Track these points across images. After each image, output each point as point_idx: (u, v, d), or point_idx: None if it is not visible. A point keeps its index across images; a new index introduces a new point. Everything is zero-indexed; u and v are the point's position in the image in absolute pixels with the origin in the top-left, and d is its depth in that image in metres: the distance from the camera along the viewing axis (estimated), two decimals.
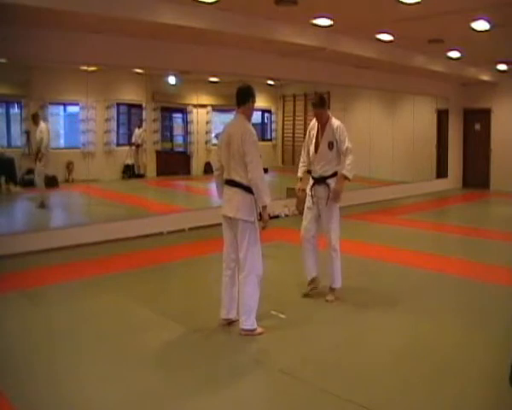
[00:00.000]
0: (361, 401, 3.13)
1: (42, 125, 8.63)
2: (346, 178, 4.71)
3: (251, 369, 3.65)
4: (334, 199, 4.73)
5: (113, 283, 5.62)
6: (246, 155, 3.96)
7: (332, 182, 4.76)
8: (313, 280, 4.99)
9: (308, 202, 4.91)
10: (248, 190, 4.02)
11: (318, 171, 4.82)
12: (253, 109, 4.25)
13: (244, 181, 4.02)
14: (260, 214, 4.13)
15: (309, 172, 4.97)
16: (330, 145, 4.74)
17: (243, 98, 4.15)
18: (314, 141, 4.86)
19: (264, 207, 4.03)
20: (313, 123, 4.92)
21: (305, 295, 4.97)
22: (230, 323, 4.25)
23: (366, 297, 5.12)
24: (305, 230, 4.92)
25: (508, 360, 3.20)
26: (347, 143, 4.71)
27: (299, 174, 5.00)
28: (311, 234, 4.90)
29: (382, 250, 7.08)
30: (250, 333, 4.07)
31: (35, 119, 8.85)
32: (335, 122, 4.77)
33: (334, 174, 4.77)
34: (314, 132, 4.87)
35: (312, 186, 4.89)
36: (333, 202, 4.75)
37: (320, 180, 4.82)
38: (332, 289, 4.91)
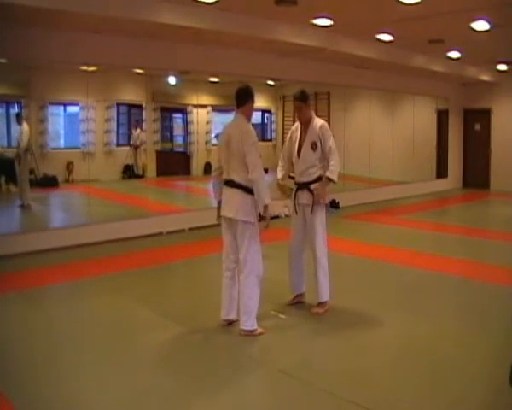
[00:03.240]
0: (361, 401, 3.12)
1: (24, 126, 8.48)
2: (330, 180, 4.40)
3: (251, 369, 3.65)
4: (317, 202, 4.41)
5: (113, 283, 5.62)
6: (246, 156, 3.95)
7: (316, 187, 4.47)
8: (299, 295, 4.81)
9: (293, 211, 4.65)
10: (248, 190, 4.01)
11: (301, 175, 4.52)
12: (252, 110, 4.23)
13: (243, 181, 4.01)
14: (260, 215, 4.12)
15: (292, 177, 4.68)
16: (314, 146, 4.42)
17: (243, 99, 4.14)
18: (297, 144, 4.55)
19: (266, 207, 4.01)
20: (296, 126, 4.64)
21: (288, 305, 4.78)
22: (230, 323, 4.24)
23: (366, 297, 5.11)
24: (292, 245, 4.67)
25: (508, 360, 3.20)
26: (331, 143, 4.40)
27: (279, 176, 4.67)
28: (299, 249, 4.66)
29: (382, 250, 7.08)
30: (250, 333, 4.07)
31: (18, 119, 8.78)
32: (319, 121, 4.48)
33: (318, 179, 4.46)
34: (297, 135, 4.57)
35: (296, 193, 4.58)
36: (317, 206, 4.43)
37: (303, 186, 4.52)
38: (320, 304, 4.58)
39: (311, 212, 4.48)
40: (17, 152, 8.40)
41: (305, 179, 4.52)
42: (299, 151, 4.53)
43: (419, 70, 10.59)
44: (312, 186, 4.47)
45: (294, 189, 4.62)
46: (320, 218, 4.51)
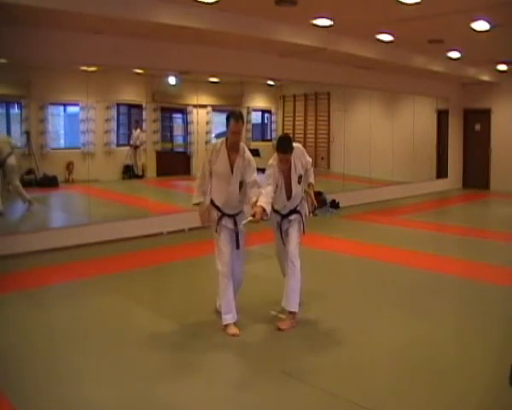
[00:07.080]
0: (361, 402, 3.13)
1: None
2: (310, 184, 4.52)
3: (252, 370, 3.65)
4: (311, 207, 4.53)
5: (113, 283, 5.62)
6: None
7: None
8: None
9: (278, 238, 4.58)
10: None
11: (288, 207, 4.42)
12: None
13: None
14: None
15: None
16: (300, 179, 4.36)
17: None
18: (283, 185, 4.30)
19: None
20: (274, 170, 4.28)
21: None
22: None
23: (365, 297, 5.12)
24: (279, 254, 4.65)
25: (508, 360, 3.19)
26: (308, 159, 4.43)
27: (268, 208, 4.16)
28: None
29: (382, 250, 7.08)
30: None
31: None
32: (294, 155, 4.30)
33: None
34: (281, 180, 4.30)
35: (281, 221, 4.49)
36: (296, 218, 4.46)
37: (290, 212, 4.46)
38: (289, 314, 4.29)
39: (290, 221, 4.40)
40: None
41: (293, 206, 4.41)
42: (290, 194, 4.34)
43: (419, 70, 10.59)
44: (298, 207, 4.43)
45: (278, 219, 4.44)
46: (298, 226, 4.41)
